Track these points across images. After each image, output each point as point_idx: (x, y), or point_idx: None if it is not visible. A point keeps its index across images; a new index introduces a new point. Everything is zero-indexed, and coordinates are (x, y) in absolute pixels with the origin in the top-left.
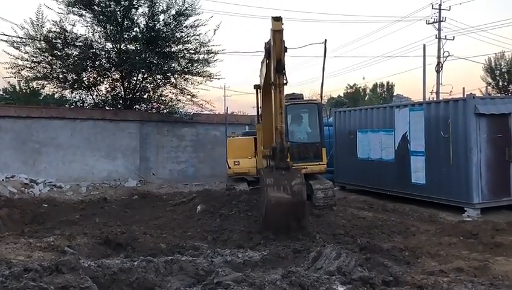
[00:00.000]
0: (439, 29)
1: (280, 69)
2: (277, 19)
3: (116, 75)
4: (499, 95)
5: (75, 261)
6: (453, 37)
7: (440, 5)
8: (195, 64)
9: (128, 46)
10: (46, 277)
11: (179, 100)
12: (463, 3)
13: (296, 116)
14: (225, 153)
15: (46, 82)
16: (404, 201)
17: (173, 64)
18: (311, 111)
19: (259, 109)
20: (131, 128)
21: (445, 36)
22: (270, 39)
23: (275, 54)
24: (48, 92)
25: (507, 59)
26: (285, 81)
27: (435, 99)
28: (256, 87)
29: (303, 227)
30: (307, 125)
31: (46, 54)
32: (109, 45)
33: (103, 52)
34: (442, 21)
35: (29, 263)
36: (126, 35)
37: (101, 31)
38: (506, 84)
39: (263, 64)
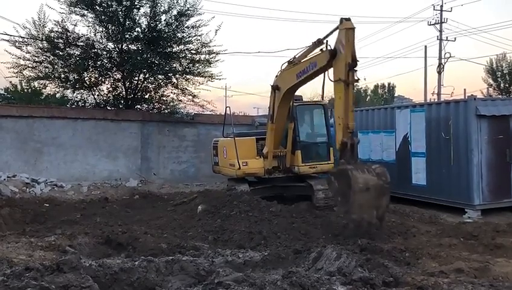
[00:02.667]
0: (440, 31)
1: (354, 66)
2: (348, 19)
3: (118, 75)
4: (500, 96)
5: (76, 261)
6: (455, 38)
7: (442, 6)
8: (197, 65)
9: (129, 46)
10: (47, 276)
11: (180, 100)
12: (465, 5)
13: (305, 117)
14: (216, 153)
15: (47, 82)
16: (405, 202)
17: (175, 65)
18: (318, 112)
19: (274, 109)
20: (132, 128)
21: (447, 37)
22: (337, 39)
23: (349, 52)
24: (49, 92)
25: (508, 60)
26: (356, 78)
27: (436, 100)
28: (274, 87)
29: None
30: (314, 125)
31: (48, 54)
32: (111, 45)
33: (105, 52)
34: (443, 22)
35: (30, 262)
36: (128, 36)
37: (102, 31)
38: (507, 85)
39: (295, 65)
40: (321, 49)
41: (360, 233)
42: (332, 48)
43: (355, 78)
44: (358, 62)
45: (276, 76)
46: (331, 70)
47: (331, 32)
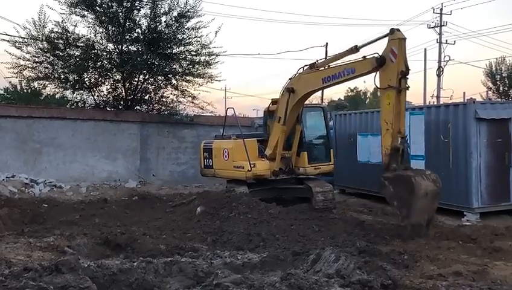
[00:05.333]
0: (440, 34)
1: (406, 74)
2: (398, 30)
3: (118, 76)
4: (499, 99)
5: (74, 262)
6: (454, 41)
7: (441, 9)
8: (197, 66)
9: (129, 47)
10: (45, 276)
11: (180, 102)
12: (464, 8)
13: (305, 119)
14: (209, 155)
15: (47, 82)
16: None
17: (174, 66)
18: (319, 114)
19: (287, 112)
20: (132, 129)
21: (446, 40)
22: (387, 48)
23: (402, 60)
24: (49, 92)
25: (508, 64)
26: (407, 86)
27: (435, 103)
28: (290, 90)
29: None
30: (315, 127)
31: (48, 54)
32: (111, 46)
33: (105, 53)
34: (443, 25)
35: (28, 263)
36: (128, 37)
37: (103, 32)
38: (506, 89)
39: (319, 70)
40: (363, 57)
41: (415, 235)
42: (379, 56)
43: (406, 85)
44: (409, 70)
45: (290, 78)
46: (368, 76)
47: (373, 41)
